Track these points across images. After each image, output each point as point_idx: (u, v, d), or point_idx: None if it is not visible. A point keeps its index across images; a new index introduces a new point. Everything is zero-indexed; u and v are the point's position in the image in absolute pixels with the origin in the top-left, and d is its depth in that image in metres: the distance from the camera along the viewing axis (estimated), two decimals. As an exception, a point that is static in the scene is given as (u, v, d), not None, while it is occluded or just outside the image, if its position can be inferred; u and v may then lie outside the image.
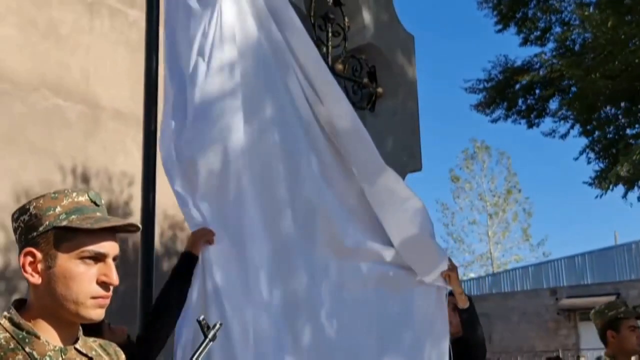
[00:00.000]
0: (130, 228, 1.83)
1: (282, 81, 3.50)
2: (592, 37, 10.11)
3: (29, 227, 1.78)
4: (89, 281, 1.75)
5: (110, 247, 1.80)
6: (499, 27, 11.59)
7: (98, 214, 1.82)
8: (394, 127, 3.98)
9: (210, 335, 2.05)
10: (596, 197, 10.45)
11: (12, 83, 11.88)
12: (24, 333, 1.73)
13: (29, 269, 1.76)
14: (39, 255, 1.75)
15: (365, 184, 3.61)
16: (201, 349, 2.01)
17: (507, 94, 11.48)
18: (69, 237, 1.75)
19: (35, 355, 1.71)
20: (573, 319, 24.29)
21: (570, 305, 24.11)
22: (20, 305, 1.80)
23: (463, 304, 3.96)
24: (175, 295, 3.20)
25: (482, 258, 37.34)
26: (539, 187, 58.74)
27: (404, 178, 4.08)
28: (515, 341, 24.39)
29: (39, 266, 1.75)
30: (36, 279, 1.75)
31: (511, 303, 25.17)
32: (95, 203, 1.83)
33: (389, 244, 3.69)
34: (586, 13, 9.91)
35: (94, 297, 1.76)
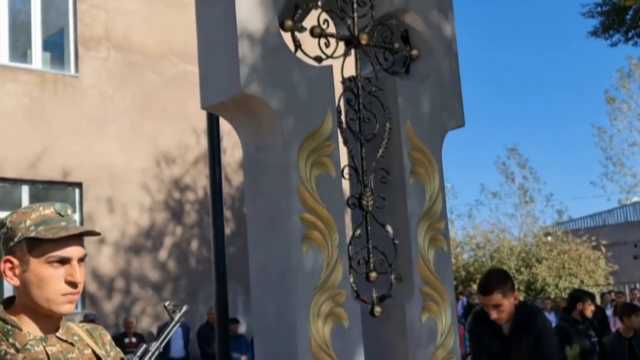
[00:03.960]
0: (91, 233, 2.13)
1: None
2: None
3: (7, 238, 2.10)
4: (57, 281, 2.05)
5: (73, 252, 2.08)
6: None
7: (62, 223, 2.10)
8: (431, 87, 4.07)
9: (176, 318, 2.36)
10: None
11: (142, 54, 12.76)
12: (9, 327, 2.05)
13: (9, 273, 2.08)
14: (15, 261, 2.07)
15: None
16: (167, 330, 2.30)
17: (625, 17, 10.82)
18: (38, 245, 2.05)
19: (17, 345, 2.02)
20: None
21: None
22: (9, 303, 2.13)
23: None
24: None
25: (645, 180, 35.39)
26: None
27: (444, 136, 4.17)
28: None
29: (17, 271, 2.07)
30: (15, 282, 2.07)
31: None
32: (59, 214, 2.12)
33: None
34: None
35: (63, 294, 2.06)
